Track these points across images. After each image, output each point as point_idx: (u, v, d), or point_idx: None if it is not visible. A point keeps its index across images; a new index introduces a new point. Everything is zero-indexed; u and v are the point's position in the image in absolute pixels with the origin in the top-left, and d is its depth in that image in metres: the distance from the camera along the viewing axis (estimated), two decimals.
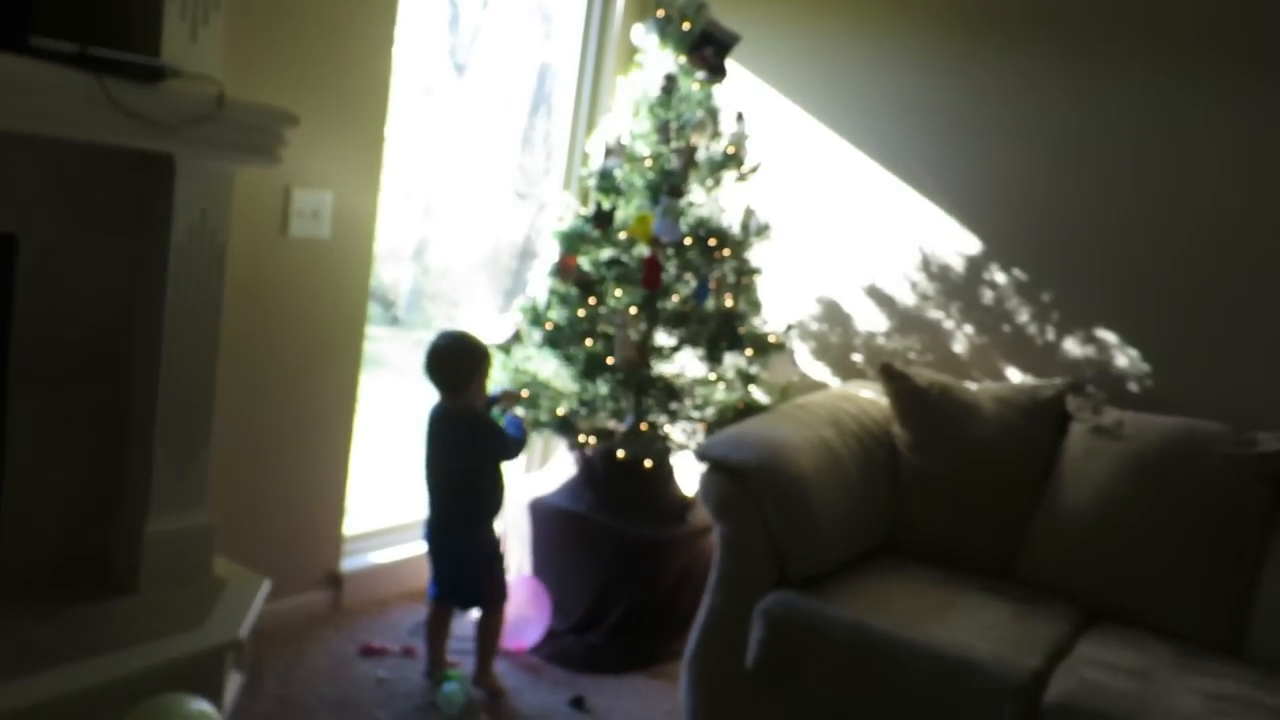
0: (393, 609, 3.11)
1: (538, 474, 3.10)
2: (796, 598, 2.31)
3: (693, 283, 2.85)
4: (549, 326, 2.86)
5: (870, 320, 3.29)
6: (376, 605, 3.11)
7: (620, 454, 2.85)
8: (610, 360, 2.72)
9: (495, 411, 2.70)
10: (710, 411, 2.92)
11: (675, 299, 2.85)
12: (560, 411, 2.85)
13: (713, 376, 2.89)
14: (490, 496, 2.66)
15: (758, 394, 3.01)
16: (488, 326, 2.97)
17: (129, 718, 1.92)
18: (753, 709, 2.39)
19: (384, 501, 3.28)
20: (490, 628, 2.68)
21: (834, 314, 3.36)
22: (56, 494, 2.31)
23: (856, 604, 2.29)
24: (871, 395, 3.00)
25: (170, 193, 2.25)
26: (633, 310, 2.79)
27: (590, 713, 2.67)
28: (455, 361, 2.56)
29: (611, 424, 2.92)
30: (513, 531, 3.26)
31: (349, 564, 3.09)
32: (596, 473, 3.01)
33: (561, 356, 2.86)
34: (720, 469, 2.42)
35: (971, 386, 2.86)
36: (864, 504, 2.62)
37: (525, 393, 2.78)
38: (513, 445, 2.63)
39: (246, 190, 2.50)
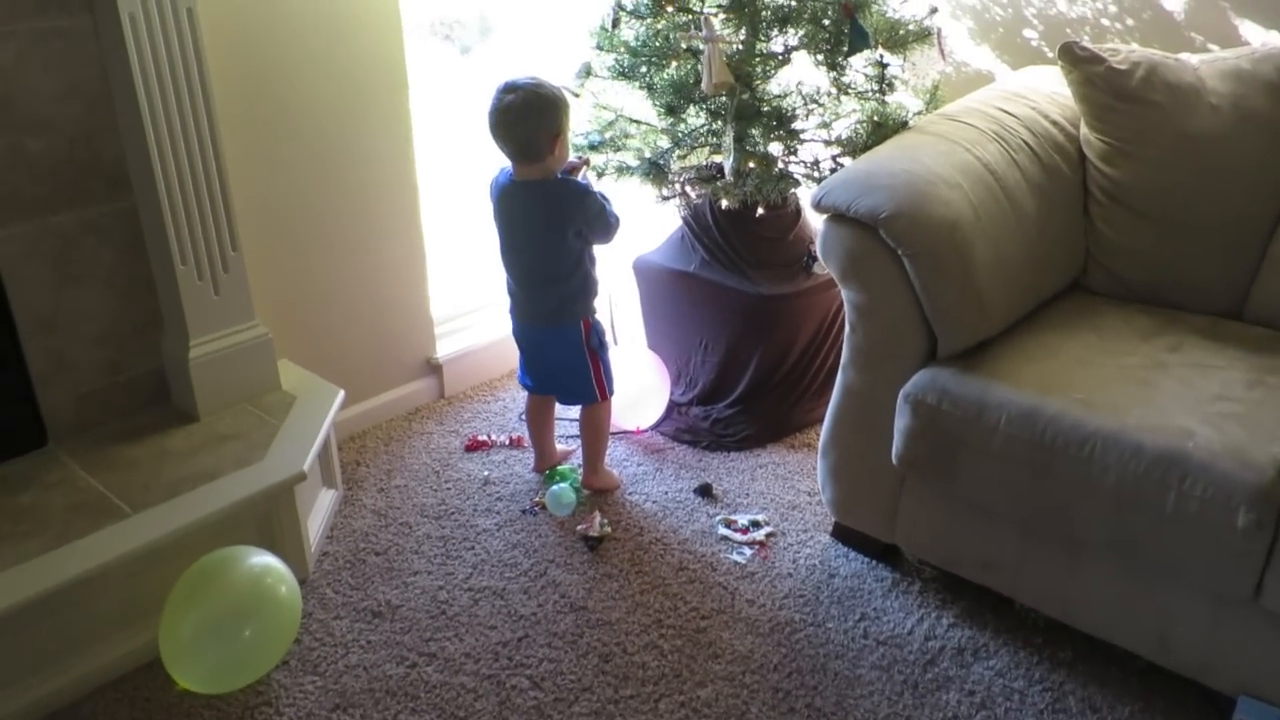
0: (501, 390, 2.83)
1: (637, 228, 2.61)
2: (951, 377, 1.82)
3: None
4: (620, 52, 2.27)
5: None
6: (484, 389, 2.84)
7: (724, 203, 2.32)
8: (701, 85, 2.13)
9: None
10: (837, 132, 2.31)
11: None
12: (646, 154, 2.32)
13: (834, 90, 2.25)
14: (591, 276, 2.22)
15: (898, 102, 2.36)
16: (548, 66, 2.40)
17: (181, 581, 1.72)
18: (904, 507, 1.99)
19: (472, 274, 2.91)
20: (597, 423, 2.34)
21: None
22: (82, 328, 2.05)
23: (1031, 379, 1.78)
24: (1051, 88, 2.29)
25: None
26: (719, 14, 2.15)
27: (720, 500, 2.35)
28: (533, 119, 2.03)
29: (715, 161, 2.37)
30: (618, 297, 2.85)
31: (445, 348, 2.79)
32: (702, 224, 2.51)
33: (641, 87, 2.28)
34: (844, 221, 1.87)
35: (1192, 61, 2.11)
36: (1041, 242, 2.02)
37: (588, 159, 2.25)
38: (613, 220, 2.15)
39: None
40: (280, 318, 2.40)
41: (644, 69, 2.26)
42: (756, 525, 2.24)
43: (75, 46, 1.90)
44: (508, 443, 2.57)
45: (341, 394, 2.29)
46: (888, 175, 1.88)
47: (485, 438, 2.59)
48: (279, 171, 2.31)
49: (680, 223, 2.57)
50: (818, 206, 1.92)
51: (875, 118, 2.20)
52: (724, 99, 2.20)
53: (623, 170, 2.38)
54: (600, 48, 2.31)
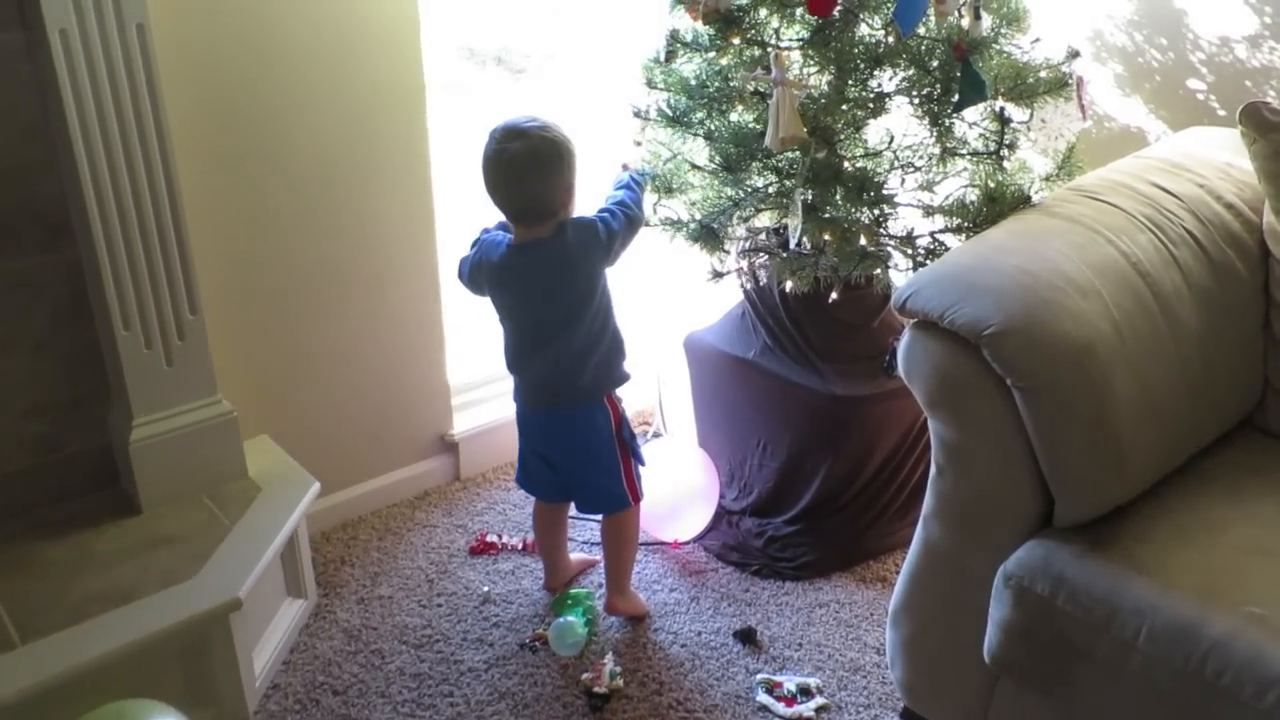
0: None
1: (693, 299, 2.17)
2: (1071, 559, 1.33)
3: None
4: (674, 91, 1.85)
5: (1222, 19, 1.98)
6: (505, 472, 2.44)
7: (788, 285, 1.87)
8: (765, 139, 1.69)
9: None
10: (940, 197, 1.84)
11: (865, 30, 1.72)
12: (698, 215, 1.89)
13: (937, 149, 1.78)
14: (619, 331, 1.81)
15: (1022, 162, 1.87)
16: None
17: None
18: (998, 712, 1.50)
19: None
20: (627, 532, 1.92)
21: (1157, 12, 2.06)
22: (9, 399, 1.73)
23: (1186, 575, 1.28)
24: (1224, 158, 1.77)
25: None
26: (794, 54, 1.71)
27: (765, 650, 1.89)
28: (546, 171, 1.64)
29: (783, 226, 1.91)
30: (666, 377, 2.42)
31: (462, 423, 2.40)
32: (767, 302, 2.06)
33: (697, 135, 1.85)
34: (936, 331, 1.41)
35: None
36: (1205, 368, 1.52)
37: (628, 162, 1.86)
38: (633, 217, 1.77)
39: None
40: (264, 388, 2.06)
41: (701, 114, 1.83)
42: (806, 694, 1.77)
43: (3, 66, 1.58)
44: (520, 547, 2.17)
45: (316, 486, 1.92)
46: (998, 274, 1.41)
47: (495, 538, 2.18)
48: (265, 221, 1.96)
49: (741, 297, 2.13)
50: (902, 310, 1.45)
51: (990, 185, 1.72)
52: (795, 155, 1.75)
53: (671, 226, 1.94)
54: (651, 84, 1.89)
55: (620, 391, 1.84)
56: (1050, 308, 1.36)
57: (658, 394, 2.44)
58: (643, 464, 1.89)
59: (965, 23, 1.69)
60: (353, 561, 2.12)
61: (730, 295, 2.16)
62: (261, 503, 1.86)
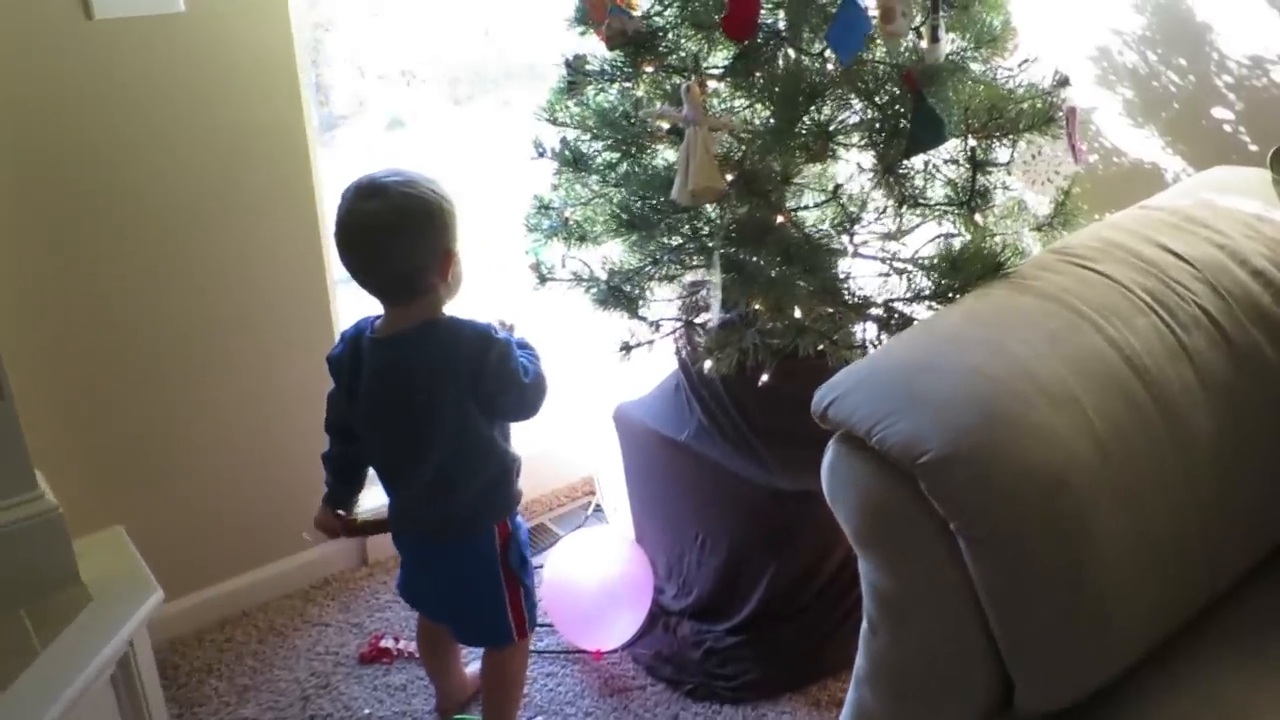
0: None
1: (621, 367, 1.85)
2: None
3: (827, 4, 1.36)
4: (566, 134, 1.53)
5: (1254, 35, 1.63)
6: None
7: (707, 365, 1.55)
8: (673, 191, 1.36)
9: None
10: (901, 269, 1.51)
11: (792, 54, 1.39)
12: (602, 275, 1.58)
13: (889, 201, 1.44)
14: (510, 459, 1.49)
15: (1012, 213, 1.54)
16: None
17: None
18: None
19: None
20: (509, 673, 1.60)
21: (1175, 27, 1.72)
22: None
23: None
24: (1251, 208, 1.43)
25: None
26: (713, 84, 1.39)
27: None
28: (412, 236, 1.32)
29: (706, 289, 1.59)
30: (601, 452, 2.10)
31: (370, 500, 2.09)
32: (700, 374, 1.73)
33: (595, 182, 1.54)
34: (863, 450, 1.08)
35: None
36: (1222, 489, 1.17)
37: (510, 321, 1.49)
38: (533, 382, 1.41)
39: None
40: (119, 470, 1.78)
41: (610, 155, 1.51)
42: None
43: None
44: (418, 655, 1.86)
45: (157, 596, 1.62)
46: (945, 376, 1.08)
47: (391, 642, 1.88)
48: (116, 269, 1.68)
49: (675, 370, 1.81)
50: (822, 418, 1.13)
51: (953, 247, 1.39)
52: (711, 212, 1.43)
53: (578, 282, 1.63)
54: (553, 120, 1.57)
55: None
56: (1011, 425, 1.03)
57: (595, 475, 2.13)
58: (532, 592, 1.55)
59: (923, 45, 1.36)
60: (220, 672, 1.82)
61: (668, 359, 1.84)
62: (88, 618, 1.56)
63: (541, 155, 1.61)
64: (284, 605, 1.98)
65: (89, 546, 1.70)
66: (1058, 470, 1.01)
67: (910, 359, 1.12)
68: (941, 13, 1.33)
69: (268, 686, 1.78)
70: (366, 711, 1.72)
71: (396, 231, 1.31)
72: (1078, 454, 1.04)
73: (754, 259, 1.40)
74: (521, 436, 1.52)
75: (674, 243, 1.47)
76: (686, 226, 1.46)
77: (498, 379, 1.36)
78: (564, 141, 1.52)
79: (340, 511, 1.56)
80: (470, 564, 1.49)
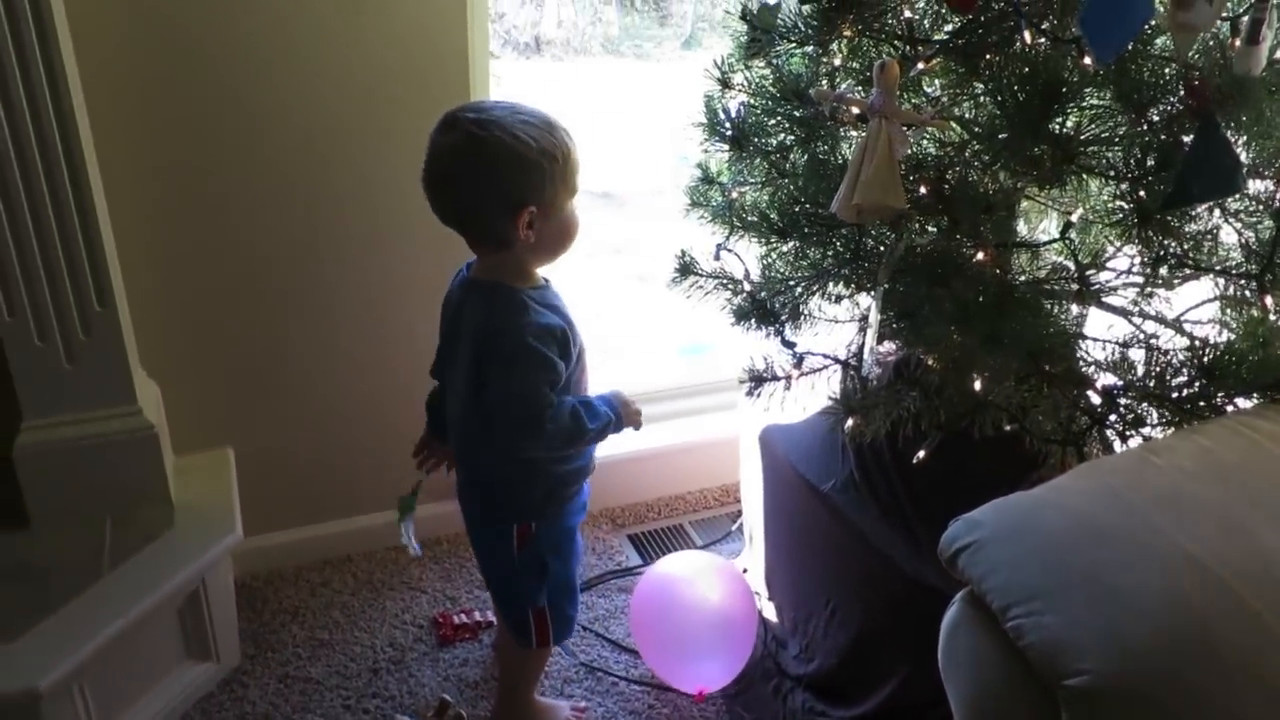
0: None
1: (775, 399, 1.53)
2: None
3: None
4: (736, 104, 1.23)
5: None
6: None
7: (847, 425, 1.22)
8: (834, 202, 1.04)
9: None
10: (1148, 342, 1.11)
11: (1029, 38, 1.01)
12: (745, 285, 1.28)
13: (1142, 256, 1.05)
14: (544, 473, 1.31)
15: None
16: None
17: None
18: None
19: None
20: (516, 667, 1.50)
21: None
22: None
23: None
24: None
25: None
26: (920, 62, 1.04)
27: None
28: (474, 179, 1.15)
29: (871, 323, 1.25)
30: (749, 466, 1.81)
31: None
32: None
33: (759, 168, 1.24)
34: (992, 626, 0.75)
35: None
36: None
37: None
38: (547, 430, 1.22)
39: None
40: (241, 392, 1.72)
41: (783, 136, 1.20)
42: None
43: None
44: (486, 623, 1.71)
45: (235, 536, 1.54)
46: (1141, 559, 0.72)
47: (465, 616, 1.73)
48: (251, 186, 1.58)
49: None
50: (949, 564, 0.81)
51: (1227, 336, 0.98)
52: (879, 232, 1.09)
53: (724, 286, 1.34)
54: (725, 83, 1.27)
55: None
56: (1230, 673, 0.66)
57: (743, 482, 1.85)
58: (563, 610, 1.40)
59: (1232, 46, 0.94)
60: (304, 618, 1.73)
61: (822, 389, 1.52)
62: (161, 546, 1.50)
63: (698, 127, 1.31)
64: (388, 558, 1.88)
65: (192, 465, 1.67)
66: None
67: (1091, 517, 0.77)
68: (1273, 2, 0.91)
69: (343, 648, 1.68)
70: (444, 696, 1.57)
71: (458, 172, 1.16)
72: None
73: (933, 303, 1.05)
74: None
75: (828, 262, 1.14)
76: (841, 244, 1.12)
77: (494, 367, 1.21)
78: (726, 113, 1.22)
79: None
80: (484, 552, 1.43)
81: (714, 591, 1.55)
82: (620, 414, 1.28)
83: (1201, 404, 0.99)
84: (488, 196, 1.15)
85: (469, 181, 1.15)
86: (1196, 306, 1.22)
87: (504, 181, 1.14)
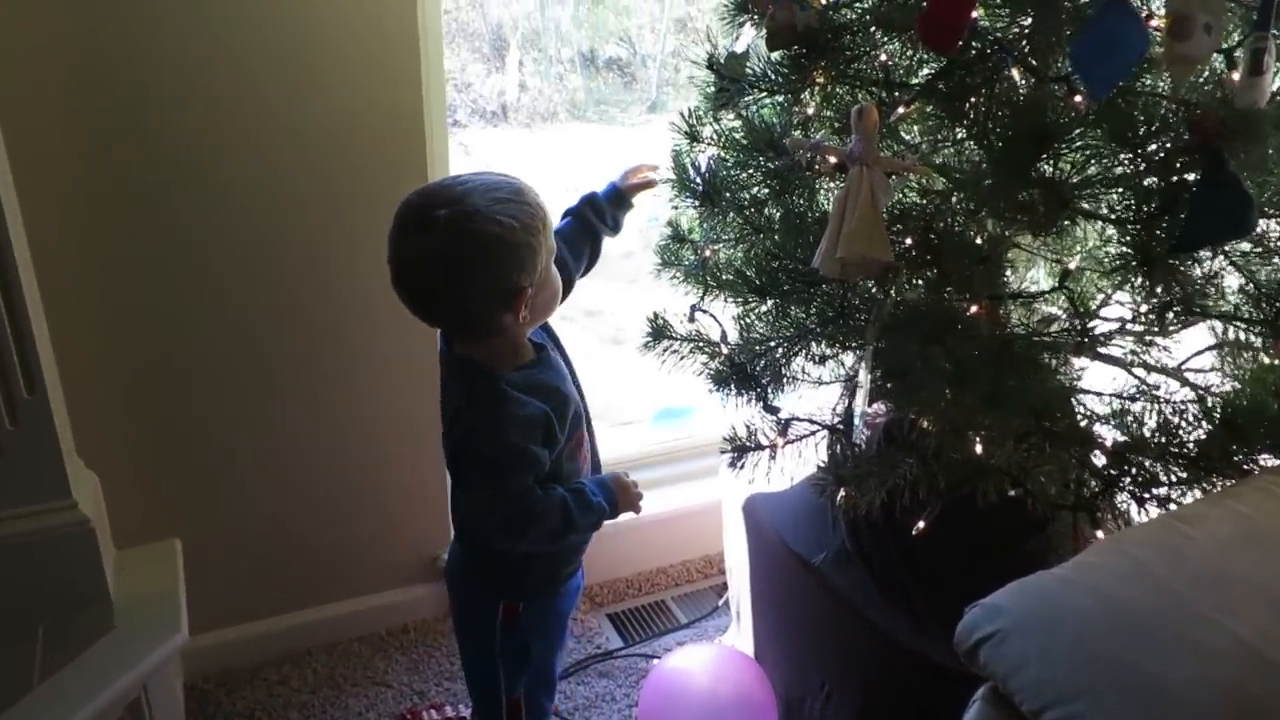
0: None
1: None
2: None
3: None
4: (705, 157, 1.17)
5: None
6: None
7: (838, 496, 1.14)
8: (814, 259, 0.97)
9: None
10: (1151, 393, 1.04)
11: (1018, 76, 0.96)
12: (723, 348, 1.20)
13: (1144, 304, 0.98)
14: (507, 555, 1.22)
15: None
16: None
17: None
18: None
19: None
20: None
21: None
22: None
23: None
24: None
25: None
26: (899, 107, 0.98)
27: None
28: (460, 281, 1.06)
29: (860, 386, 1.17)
30: (733, 538, 1.71)
31: None
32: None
33: (733, 222, 1.17)
34: None
35: None
36: None
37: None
38: (521, 514, 1.13)
39: None
40: (188, 481, 1.61)
41: (756, 189, 1.14)
42: None
43: None
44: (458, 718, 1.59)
45: (180, 637, 1.42)
46: (1190, 653, 0.63)
47: (433, 713, 1.61)
48: (196, 264, 1.49)
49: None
50: (968, 656, 0.72)
51: (1233, 391, 0.91)
52: (864, 287, 1.02)
53: (700, 349, 1.27)
54: (694, 136, 1.21)
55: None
56: None
57: (727, 554, 1.75)
58: (541, 686, 1.31)
59: (1232, 78, 0.89)
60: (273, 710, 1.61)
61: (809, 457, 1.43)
62: (101, 650, 1.37)
63: (667, 184, 1.25)
64: (352, 651, 1.76)
65: (136, 559, 1.55)
66: None
67: (1124, 601, 0.68)
68: (1273, 31, 0.85)
69: None
70: None
71: (442, 275, 1.06)
72: None
73: (927, 361, 0.98)
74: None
75: (810, 320, 1.07)
76: (824, 301, 1.05)
77: (476, 469, 1.13)
78: (695, 168, 1.16)
79: None
80: (464, 628, 1.34)
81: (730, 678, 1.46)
82: (617, 501, 1.18)
83: (1220, 461, 0.92)
84: (481, 297, 1.06)
85: (457, 287, 1.05)
86: (1198, 354, 1.16)
87: (497, 278, 1.05)
